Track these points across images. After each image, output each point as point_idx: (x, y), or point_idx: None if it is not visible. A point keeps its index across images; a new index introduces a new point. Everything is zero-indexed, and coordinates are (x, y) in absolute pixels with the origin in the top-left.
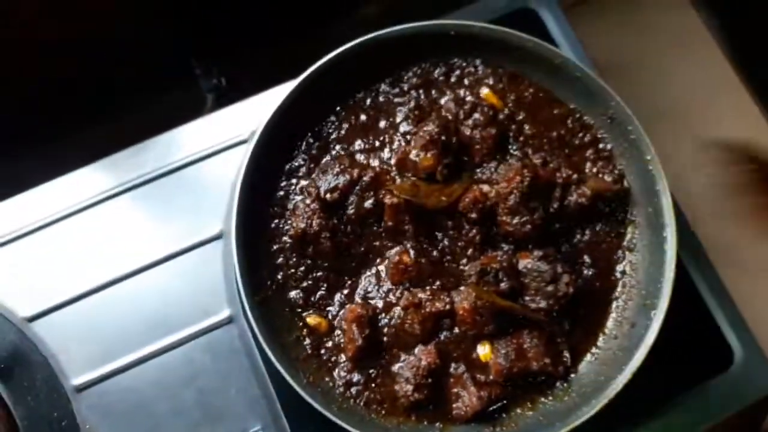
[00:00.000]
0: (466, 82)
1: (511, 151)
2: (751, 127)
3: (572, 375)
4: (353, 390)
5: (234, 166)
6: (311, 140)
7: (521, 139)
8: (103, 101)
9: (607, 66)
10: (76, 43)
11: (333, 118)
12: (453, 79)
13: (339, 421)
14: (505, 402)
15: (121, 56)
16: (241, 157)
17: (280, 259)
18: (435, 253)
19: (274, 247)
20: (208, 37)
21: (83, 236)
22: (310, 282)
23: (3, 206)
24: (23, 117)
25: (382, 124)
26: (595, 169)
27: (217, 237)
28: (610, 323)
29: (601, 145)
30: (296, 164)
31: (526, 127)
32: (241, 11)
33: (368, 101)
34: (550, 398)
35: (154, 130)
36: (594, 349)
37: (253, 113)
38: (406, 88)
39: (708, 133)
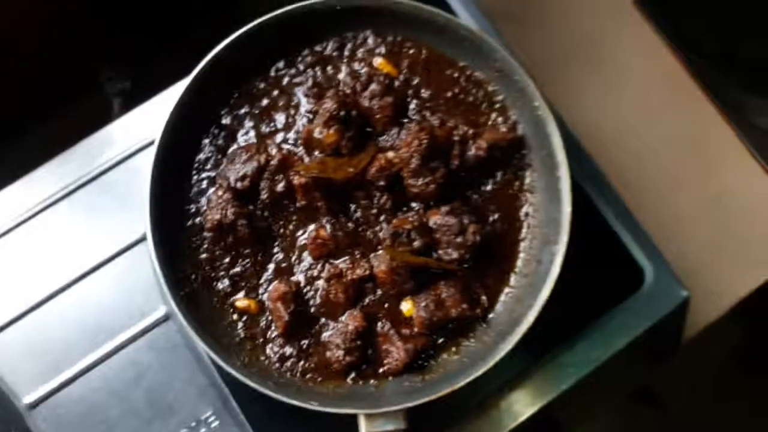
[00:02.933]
0: (359, 54)
1: (411, 115)
2: (653, 55)
3: (490, 316)
4: (288, 363)
5: (148, 167)
6: (215, 131)
7: (419, 102)
8: (8, 119)
9: (506, 15)
10: None
11: (232, 106)
12: (346, 53)
13: (276, 395)
14: (432, 351)
15: (23, 69)
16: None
17: (204, 254)
18: (350, 224)
19: (195, 242)
20: (111, 42)
21: (11, 257)
22: (235, 270)
23: None
24: None
25: (283, 106)
26: (490, 122)
27: (142, 239)
28: (519, 263)
29: (493, 99)
30: (203, 157)
31: (422, 90)
32: (138, 13)
33: (265, 85)
34: (473, 340)
35: (64, 142)
36: (507, 289)
37: (160, 111)
38: (301, 68)
39: (612, 69)
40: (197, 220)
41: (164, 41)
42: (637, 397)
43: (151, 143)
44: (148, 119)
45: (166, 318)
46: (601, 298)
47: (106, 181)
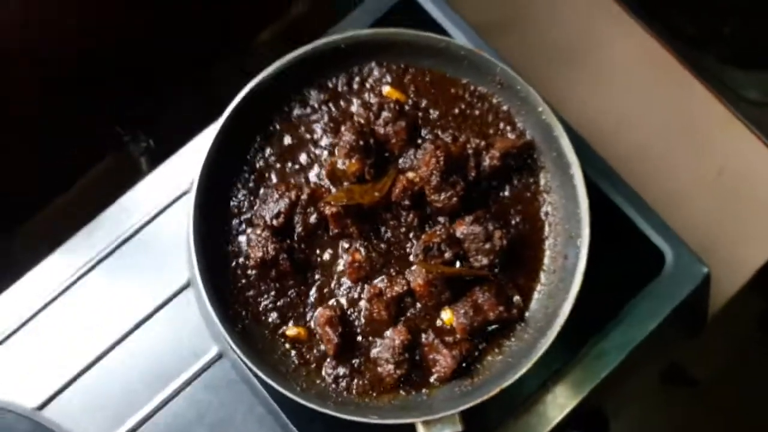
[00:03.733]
0: (367, 85)
1: (424, 136)
2: (638, 45)
3: (526, 315)
4: (343, 383)
5: (183, 218)
6: (246, 175)
7: (429, 123)
8: (39, 188)
9: (494, 27)
10: None
11: (257, 149)
12: (355, 86)
13: (337, 414)
14: (476, 355)
15: (48, 139)
16: (188, 208)
17: (250, 291)
18: (382, 245)
19: (242, 281)
20: (128, 105)
21: (64, 322)
22: (281, 302)
23: None
24: None
25: (304, 143)
26: (499, 132)
27: (186, 286)
28: (546, 260)
29: (498, 109)
30: (238, 201)
31: (431, 111)
32: (145, 73)
33: (285, 126)
34: (513, 340)
35: (98, 204)
36: (539, 287)
37: (187, 163)
38: (316, 106)
39: (600, 64)
40: (240, 260)
41: (172, 97)
42: (669, 378)
43: (183, 195)
44: (175, 173)
45: (219, 357)
46: (625, 285)
47: (142, 238)
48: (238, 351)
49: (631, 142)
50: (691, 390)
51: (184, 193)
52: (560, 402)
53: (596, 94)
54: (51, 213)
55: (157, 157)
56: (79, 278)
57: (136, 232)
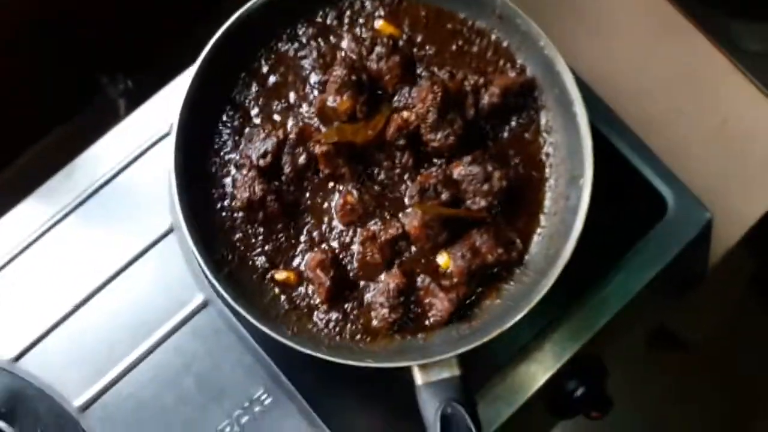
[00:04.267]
0: (359, 20)
1: (419, 73)
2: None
3: (526, 258)
4: (336, 328)
5: (163, 161)
6: (230, 112)
7: (425, 59)
8: (15, 135)
9: None
10: None
11: (243, 87)
12: (346, 21)
13: (331, 358)
14: (473, 298)
15: (22, 83)
16: (169, 150)
17: (237, 234)
18: (375, 186)
19: (227, 224)
20: (106, 45)
21: (41, 268)
22: (269, 245)
23: None
24: None
25: (292, 80)
26: (499, 69)
27: (168, 231)
28: (547, 202)
29: (498, 45)
30: (222, 140)
31: (427, 47)
32: (128, 12)
33: (271, 62)
34: (512, 283)
35: (76, 149)
36: (539, 229)
37: (167, 105)
38: (304, 41)
39: (600, 13)
40: (225, 202)
41: (158, 40)
42: (658, 343)
43: (163, 137)
44: (155, 115)
45: (205, 304)
46: (627, 230)
47: (121, 182)
48: (225, 295)
49: (633, 93)
50: (679, 357)
51: (165, 136)
52: (559, 350)
53: (598, 43)
54: (27, 159)
55: (136, 100)
56: (55, 224)
57: (115, 176)
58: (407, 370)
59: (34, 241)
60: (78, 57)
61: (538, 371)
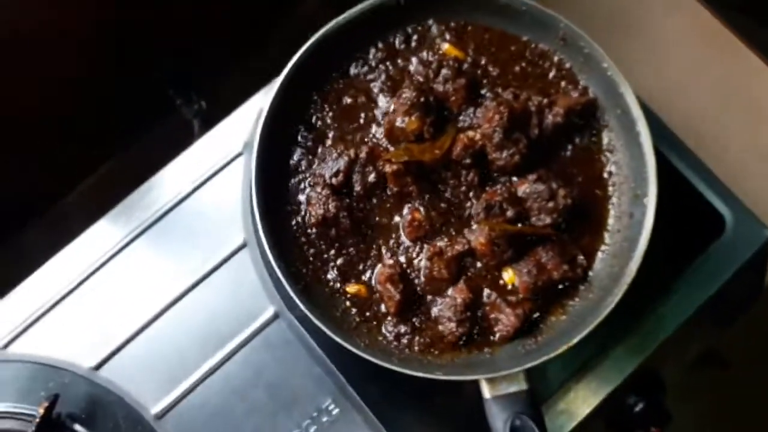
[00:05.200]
0: (425, 43)
1: (484, 93)
2: (688, 14)
3: (590, 274)
4: (405, 340)
5: (236, 180)
6: (305, 133)
7: (489, 81)
8: (92, 151)
9: None
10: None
11: (316, 108)
12: (413, 44)
13: (402, 370)
14: (539, 314)
15: (101, 103)
16: (244, 168)
17: (311, 249)
18: (442, 203)
19: (302, 239)
20: (181, 66)
21: (119, 282)
22: (341, 260)
23: (43, 271)
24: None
25: (362, 102)
26: (561, 89)
27: (241, 247)
28: (611, 220)
29: (561, 67)
30: (296, 159)
31: (491, 68)
32: (202, 36)
33: (342, 85)
34: (577, 299)
35: (151, 167)
36: (603, 247)
37: (240, 126)
38: (373, 64)
39: (652, 33)
40: (299, 218)
41: (226, 60)
42: (701, 359)
43: (236, 157)
44: (227, 135)
45: (275, 317)
46: (686, 248)
47: (197, 200)
48: (302, 307)
49: (686, 112)
50: (720, 373)
51: (237, 156)
52: (620, 365)
53: (650, 63)
54: (105, 176)
55: (209, 120)
56: (133, 239)
57: (190, 194)
58: (473, 384)
59: (113, 255)
60: (154, 78)
61: (600, 386)
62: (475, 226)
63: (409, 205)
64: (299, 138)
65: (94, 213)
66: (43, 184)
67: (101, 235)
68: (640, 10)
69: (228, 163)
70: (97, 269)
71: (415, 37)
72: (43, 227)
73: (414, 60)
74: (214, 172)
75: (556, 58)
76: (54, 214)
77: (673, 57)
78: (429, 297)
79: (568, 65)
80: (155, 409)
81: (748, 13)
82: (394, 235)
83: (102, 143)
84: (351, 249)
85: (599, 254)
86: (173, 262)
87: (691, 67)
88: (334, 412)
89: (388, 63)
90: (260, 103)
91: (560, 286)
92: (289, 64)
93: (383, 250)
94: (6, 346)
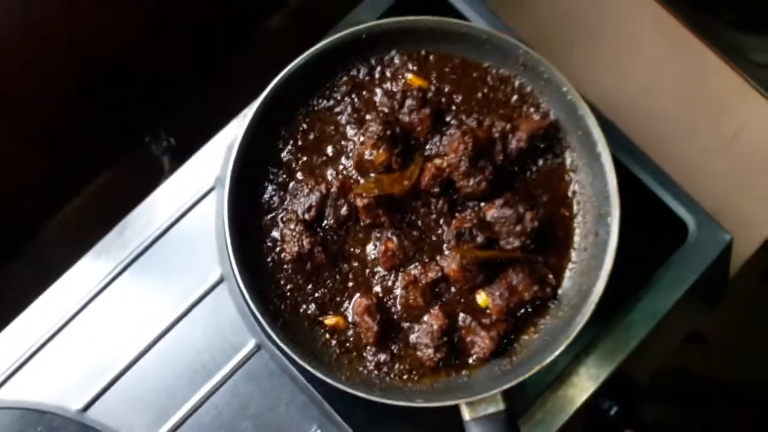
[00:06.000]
0: (389, 74)
1: (448, 121)
2: (648, 15)
3: (559, 292)
4: (385, 368)
5: (210, 214)
6: (275, 169)
7: (454, 108)
8: (63, 186)
9: (507, 2)
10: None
11: (285, 144)
12: (377, 76)
13: (384, 400)
14: (513, 335)
15: (68, 139)
16: (217, 203)
17: (288, 285)
18: (414, 232)
19: (277, 275)
20: (147, 103)
21: (101, 323)
22: (318, 292)
23: (25, 316)
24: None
25: (330, 135)
26: (523, 114)
27: (219, 281)
28: (577, 238)
29: (522, 91)
30: (268, 196)
31: (454, 96)
32: (164, 68)
33: (310, 119)
34: (548, 318)
35: (121, 205)
36: (570, 265)
37: (211, 160)
38: (339, 97)
39: (612, 37)
40: (274, 255)
41: (192, 93)
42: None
43: (208, 192)
44: (199, 171)
45: (257, 348)
46: (650, 256)
47: (171, 237)
48: (282, 346)
49: (646, 112)
50: (700, 348)
51: (210, 190)
52: (593, 373)
53: (609, 65)
54: (73, 214)
55: (178, 155)
56: (112, 280)
57: (165, 231)
58: (454, 408)
59: (94, 297)
60: (121, 116)
61: (575, 395)
62: (447, 252)
63: (382, 235)
64: (270, 175)
65: (69, 249)
66: (13, 222)
67: (81, 276)
68: (599, 14)
69: (201, 199)
70: (80, 311)
71: (378, 68)
72: (19, 266)
73: (379, 91)
74: (187, 208)
75: (517, 83)
76: (29, 251)
77: (633, 58)
78: (406, 324)
79: (529, 89)
80: None
81: (700, 8)
82: (369, 266)
83: (71, 179)
84: (327, 282)
85: (567, 272)
86: (153, 299)
87: (651, 68)
88: None
89: (353, 95)
90: (228, 136)
91: (531, 307)
92: (257, 101)
93: (359, 281)
94: None
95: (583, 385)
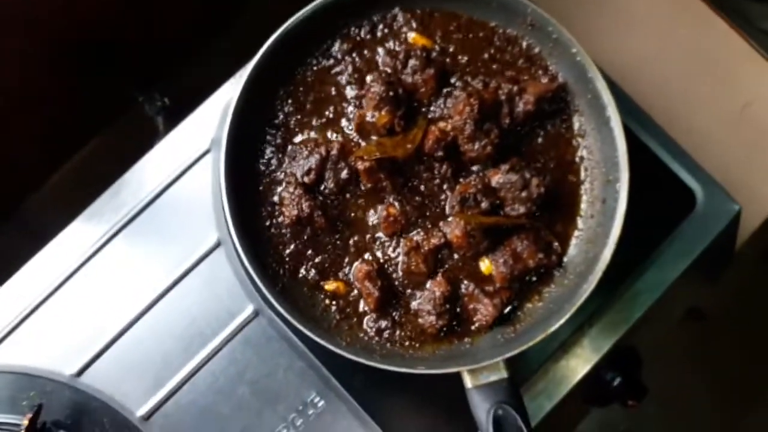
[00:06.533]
0: (392, 32)
1: (453, 83)
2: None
3: (565, 260)
4: (386, 335)
5: (206, 177)
6: (272, 131)
7: (458, 69)
8: (54, 150)
9: None
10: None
11: (282, 104)
12: (379, 35)
13: (384, 366)
14: (516, 303)
15: (61, 101)
16: (213, 166)
17: (287, 249)
18: (417, 197)
19: (276, 239)
20: (142, 62)
21: (96, 287)
22: (318, 257)
23: (17, 278)
24: None
25: (330, 96)
26: (531, 76)
27: (216, 245)
28: (584, 205)
29: (529, 52)
30: (266, 158)
31: (460, 56)
32: (162, 32)
33: (308, 79)
34: (553, 286)
35: (116, 165)
36: (577, 232)
37: (205, 122)
38: (339, 57)
39: (623, 6)
40: (273, 219)
41: (189, 50)
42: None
43: (204, 154)
44: (194, 132)
45: (255, 314)
46: (657, 225)
47: (166, 200)
48: (281, 311)
49: (654, 81)
50: (701, 326)
51: (205, 153)
52: (597, 344)
53: (618, 33)
54: (68, 176)
55: (173, 116)
56: (106, 242)
57: (160, 194)
58: (456, 375)
59: (88, 259)
60: (115, 76)
61: (578, 365)
62: (450, 219)
63: (384, 200)
64: (267, 136)
65: (62, 213)
66: (5, 186)
67: (73, 239)
68: None
69: (196, 161)
70: (72, 274)
71: (380, 26)
72: (10, 230)
73: (381, 51)
74: (182, 170)
75: (524, 44)
76: (21, 215)
77: (640, 26)
78: (408, 291)
79: (537, 50)
80: (141, 412)
81: None
82: (370, 231)
83: (63, 142)
84: (327, 247)
85: (573, 240)
86: (149, 263)
87: (659, 36)
88: (320, 405)
89: (354, 54)
90: (224, 97)
91: (535, 275)
92: (254, 60)
93: (360, 246)
94: None
95: (586, 356)
